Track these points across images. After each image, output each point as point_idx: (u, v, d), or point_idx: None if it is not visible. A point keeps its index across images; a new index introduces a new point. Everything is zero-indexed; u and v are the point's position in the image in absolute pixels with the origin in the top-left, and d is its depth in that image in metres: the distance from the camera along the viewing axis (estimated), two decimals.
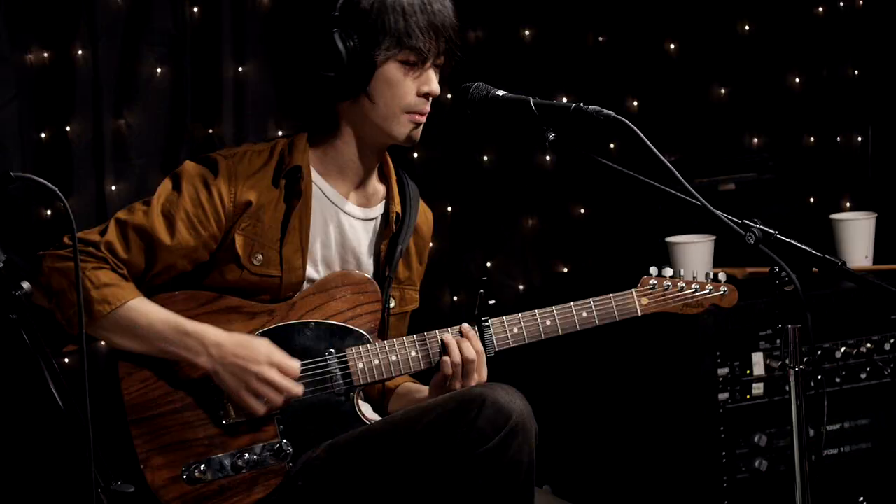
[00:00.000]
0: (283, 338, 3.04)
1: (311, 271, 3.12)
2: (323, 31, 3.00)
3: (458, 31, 3.08)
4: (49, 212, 3.98)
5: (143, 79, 4.07)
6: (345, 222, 3.14)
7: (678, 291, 3.24)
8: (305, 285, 3.11)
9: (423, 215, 3.32)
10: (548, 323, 3.16)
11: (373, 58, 3.00)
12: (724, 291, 3.28)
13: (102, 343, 3.98)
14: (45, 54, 3.97)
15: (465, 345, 3.07)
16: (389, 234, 3.20)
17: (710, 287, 3.26)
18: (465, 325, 3.10)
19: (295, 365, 2.99)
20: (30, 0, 3.92)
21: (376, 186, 3.20)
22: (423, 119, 3.08)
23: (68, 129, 3.99)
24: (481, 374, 3.09)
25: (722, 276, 3.29)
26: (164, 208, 3.02)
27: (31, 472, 3.87)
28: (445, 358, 3.07)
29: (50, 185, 2.45)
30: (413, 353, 3.09)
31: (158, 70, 4.08)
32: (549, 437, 3.08)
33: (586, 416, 4.43)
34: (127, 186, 4.06)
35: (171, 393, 2.99)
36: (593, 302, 3.19)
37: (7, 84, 3.84)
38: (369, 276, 3.16)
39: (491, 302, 3.13)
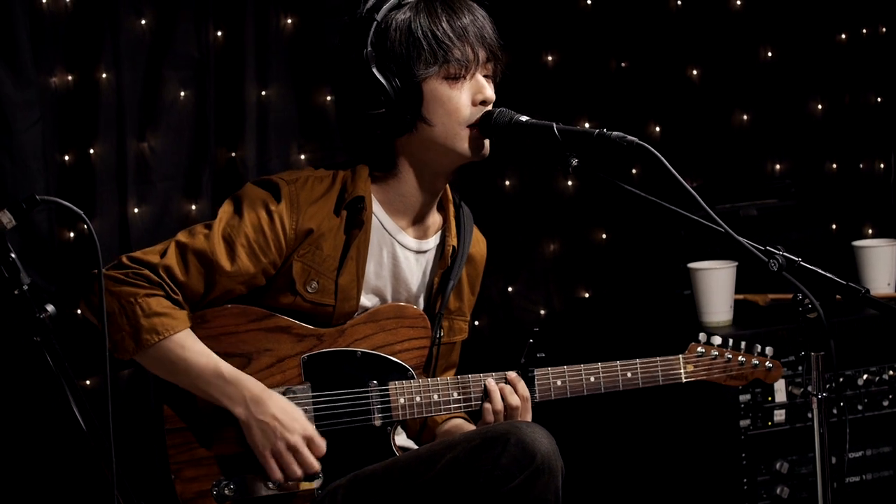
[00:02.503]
0: (329, 363, 3.02)
1: (364, 301, 3.09)
2: (361, 70, 2.96)
3: (496, 38, 3.04)
4: (72, 234, 3.99)
5: (166, 102, 4.09)
6: (399, 254, 3.11)
7: (725, 363, 3.23)
8: (357, 315, 3.09)
9: (477, 245, 3.29)
10: (592, 380, 3.14)
11: (416, 82, 2.97)
12: (770, 367, 3.27)
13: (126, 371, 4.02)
14: (70, 77, 3.99)
15: (507, 391, 3.05)
16: (444, 267, 3.17)
17: (757, 361, 3.25)
18: (513, 373, 3.07)
19: (323, 445, 2.97)
20: (55, 23, 3.94)
21: (434, 218, 3.17)
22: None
23: (92, 151, 4.01)
24: (525, 419, 3.06)
25: (769, 351, 3.27)
26: (225, 233, 2.98)
27: (54, 495, 3.88)
28: (487, 405, 3.04)
29: (75, 208, 2.45)
30: (455, 395, 3.07)
31: (182, 93, 4.10)
32: (574, 469, 3.07)
33: (609, 445, 4.42)
34: (150, 209, 4.07)
35: (210, 407, 2.97)
36: (640, 364, 3.17)
37: (31, 107, 3.86)
38: (421, 311, 3.14)
39: (540, 355, 3.10)
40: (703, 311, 4.09)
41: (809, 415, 3.67)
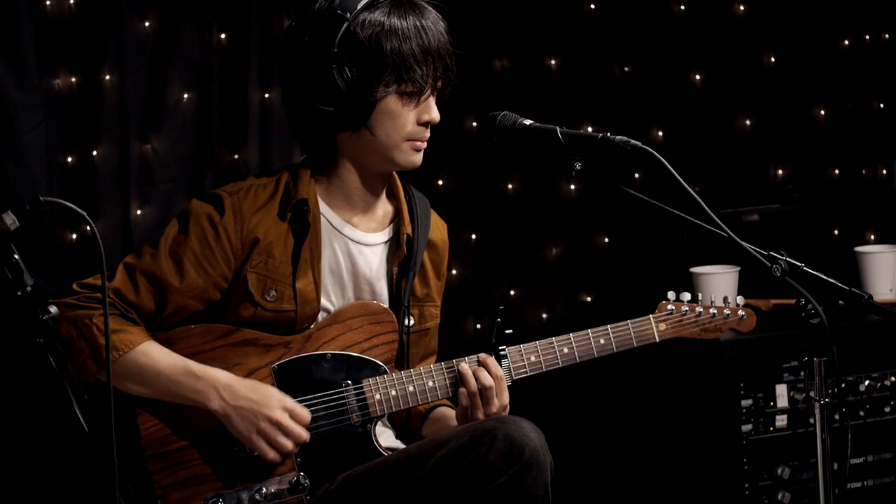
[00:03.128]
0: (300, 370, 3.03)
1: (325, 302, 3.11)
2: (322, 66, 2.98)
3: (452, 55, 3.06)
4: (74, 236, 3.99)
5: (169, 104, 4.09)
6: (354, 250, 3.12)
7: (696, 316, 3.22)
8: (321, 316, 3.10)
9: (437, 229, 3.29)
10: (565, 350, 3.14)
11: (372, 92, 2.98)
12: (743, 315, 3.25)
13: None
14: (73, 79, 3.99)
15: (481, 373, 3.04)
16: (402, 256, 3.17)
17: (729, 311, 3.24)
18: (483, 354, 3.08)
19: (306, 413, 2.98)
20: (58, 25, 3.94)
21: (385, 208, 3.18)
22: (424, 145, 3.07)
23: (95, 153, 4.01)
24: (502, 399, 3.05)
25: (740, 300, 3.27)
26: (171, 250, 3.00)
27: (56, 495, 3.88)
28: (462, 389, 3.04)
29: (78, 209, 2.45)
30: (430, 384, 3.07)
31: (185, 96, 4.10)
32: (568, 468, 3.07)
33: (608, 447, 4.41)
34: (152, 211, 4.08)
35: (188, 428, 2.98)
36: (611, 328, 3.17)
37: (35, 108, 3.86)
38: (385, 306, 3.15)
39: (508, 331, 3.11)
40: None
41: (811, 420, 3.68)
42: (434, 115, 3.05)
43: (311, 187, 3.07)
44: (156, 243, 3.03)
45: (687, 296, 3.22)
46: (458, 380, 3.06)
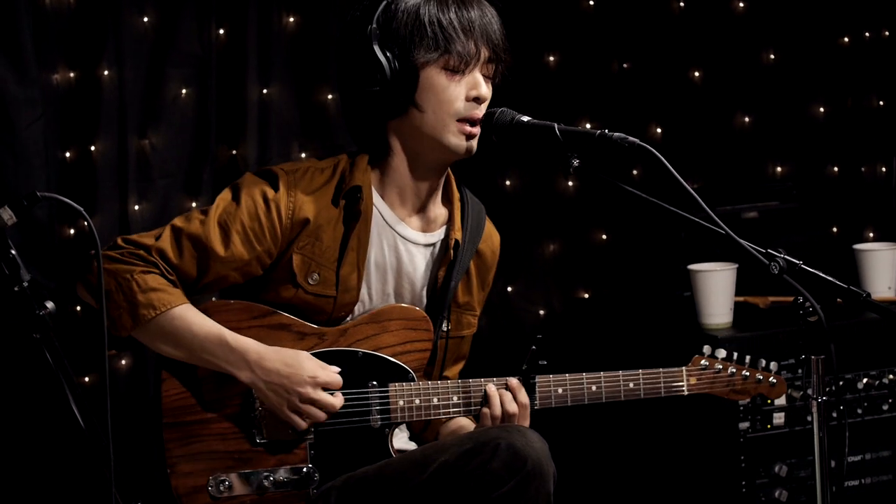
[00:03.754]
0: (330, 363, 3.01)
1: (363, 294, 3.09)
2: (364, 46, 2.97)
3: (504, 39, 3.05)
4: (72, 231, 3.99)
5: (168, 100, 4.09)
6: (401, 247, 3.11)
7: (728, 377, 3.20)
8: (357, 307, 3.09)
9: (489, 239, 3.27)
10: (593, 389, 3.12)
11: (414, 64, 2.96)
12: (774, 383, 3.24)
13: (123, 363, 4.03)
14: (72, 74, 3.99)
15: (507, 397, 3.03)
16: (447, 262, 3.15)
17: (761, 377, 3.23)
18: (514, 380, 3.06)
19: (337, 378, 2.97)
20: (57, 21, 3.94)
21: (438, 211, 3.16)
22: (477, 129, 3.01)
23: (93, 148, 4.01)
24: (523, 425, 3.04)
25: (773, 366, 3.25)
26: (220, 219, 2.99)
27: (52, 492, 3.88)
28: (485, 410, 3.03)
29: (76, 205, 2.45)
30: (455, 399, 3.06)
31: (183, 91, 4.10)
32: (568, 471, 3.06)
33: (606, 445, 4.42)
34: (150, 206, 4.07)
35: (210, 402, 2.98)
36: (642, 374, 3.15)
37: (33, 103, 3.86)
38: (425, 314, 3.12)
39: (543, 362, 3.08)
40: (703, 313, 4.09)
41: (809, 418, 3.67)
42: (483, 90, 3.01)
43: (367, 175, 3.05)
44: (206, 210, 3.01)
45: (722, 353, 3.20)
46: (484, 401, 3.05)
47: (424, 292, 3.17)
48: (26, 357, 3.68)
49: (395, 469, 2.95)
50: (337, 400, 2.97)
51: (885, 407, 4.13)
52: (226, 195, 3.04)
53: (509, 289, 4.64)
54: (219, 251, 2.97)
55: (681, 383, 3.19)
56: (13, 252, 2.37)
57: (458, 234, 3.15)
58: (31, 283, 2.38)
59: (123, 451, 2.71)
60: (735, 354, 3.22)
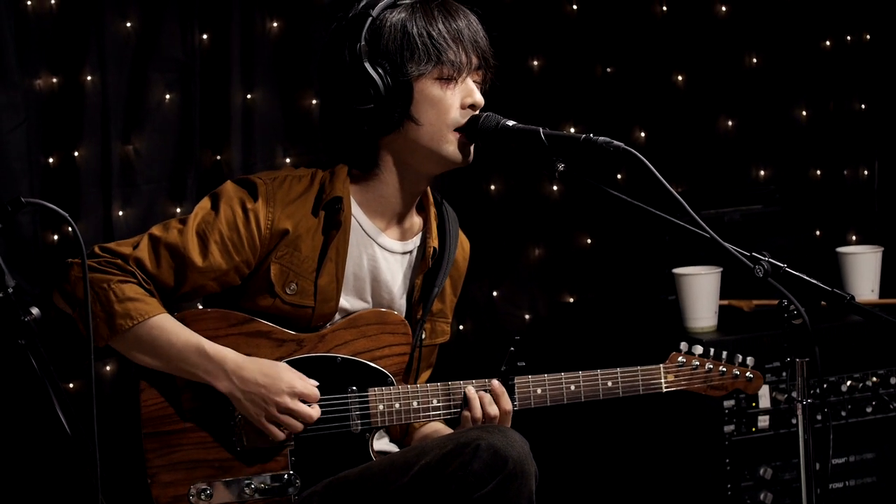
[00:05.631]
0: (309, 369, 3.01)
1: (343, 303, 3.09)
2: (354, 65, 2.96)
3: (489, 44, 3.06)
4: (56, 237, 3.99)
5: (151, 105, 4.08)
6: (379, 256, 3.11)
7: (706, 372, 3.22)
8: (337, 317, 3.09)
9: (460, 247, 3.27)
10: (572, 388, 3.13)
11: (407, 78, 2.96)
12: (751, 378, 3.26)
13: (108, 368, 4.02)
14: (55, 80, 3.98)
15: (487, 400, 3.04)
16: (425, 269, 3.16)
17: (738, 371, 3.24)
18: (495, 382, 3.06)
19: (315, 391, 2.97)
20: (39, 25, 3.93)
21: (414, 219, 3.16)
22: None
23: (76, 154, 4.01)
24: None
25: (750, 361, 3.27)
26: (199, 228, 2.99)
27: (39, 497, 3.87)
28: (466, 413, 3.03)
29: (60, 210, 2.44)
30: (435, 403, 3.06)
31: (167, 96, 4.10)
32: (552, 472, 3.07)
33: (591, 448, 4.42)
34: (134, 212, 4.07)
35: (189, 411, 2.97)
36: (620, 373, 3.16)
37: (16, 109, 3.85)
38: (403, 318, 3.13)
39: (521, 363, 3.09)
40: (688, 317, 4.10)
41: (793, 421, 3.67)
42: (477, 97, 3.02)
43: (347, 186, 3.05)
44: (184, 219, 3.01)
45: (699, 349, 3.21)
46: (464, 404, 3.05)
47: (402, 301, 3.17)
48: (11, 363, 3.67)
49: (377, 472, 2.95)
50: (314, 411, 2.97)
51: (869, 409, 4.14)
52: (204, 204, 3.04)
53: (494, 293, 4.64)
54: (196, 261, 2.97)
55: (658, 380, 3.20)
56: None
57: (434, 242, 3.16)
58: (15, 289, 2.37)
59: (109, 456, 2.71)
60: (712, 350, 3.24)
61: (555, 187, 4.68)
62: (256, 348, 3.00)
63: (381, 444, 3.17)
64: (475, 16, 3.06)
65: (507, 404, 3.05)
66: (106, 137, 4.03)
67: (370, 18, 2.96)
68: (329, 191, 3.03)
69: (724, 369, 3.23)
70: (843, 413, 4.11)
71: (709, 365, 3.22)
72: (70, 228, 2.44)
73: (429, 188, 3.17)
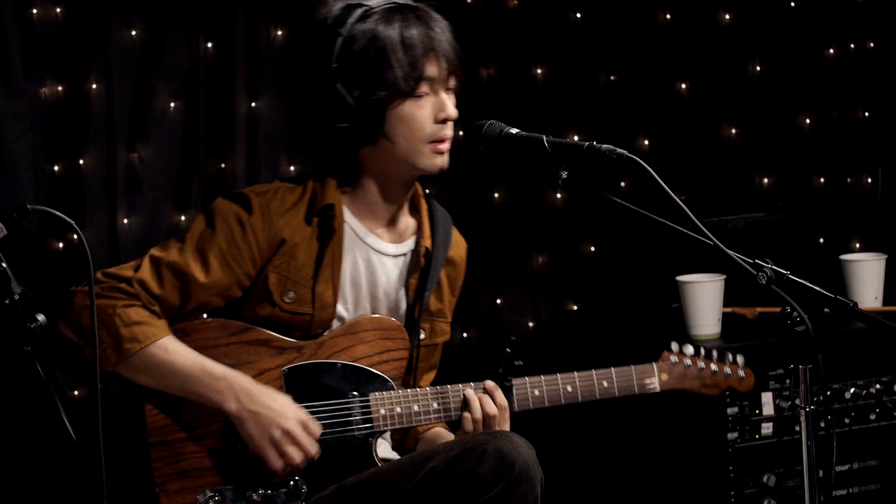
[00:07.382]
0: (309, 375, 3.03)
1: (340, 309, 3.11)
2: (327, 85, 2.99)
3: (458, 50, 3.07)
4: (61, 244, 3.99)
5: (156, 113, 4.09)
6: (374, 259, 3.13)
7: (698, 371, 3.25)
8: (335, 322, 3.11)
9: (457, 246, 3.31)
10: (568, 389, 3.16)
11: (379, 98, 2.99)
12: (742, 376, 3.29)
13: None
14: (60, 88, 3.99)
15: (486, 400, 3.07)
16: (419, 270, 3.19)
17: (729, 370, 3.27)
18: (490, 382, 3.09)
19: (318, 427, 2.99)
20: (45, 34, 3.94)
21: (407, 221, 3.19)
22: (447, 146, 3.07)
23: (81, 162, 4.01)
24: (504, 428, 3.07)
25: (740, 360, 3.28)
26: (198, 245, 3.01)
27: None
28: (466, 414, 3.06)
29: (66, 218, 2.45)
30: (435, 406, 3.09)
31: (172, 104, 4.10)
32: (557, 479, 3.07)
33: (595, 456, 4.42)
34: (139, 220, 4.07)
35: (195, 419, 2.99)
36: (614, 371, 3.20)
37: (21, 117, 3.85)
38: (400, 323, 3.15)
39: (518, 363, 3.11)
40: (692, 325, 4.10)
41: (797, 428, 3.67)
42: (450, 111, 3.05)
43: (338, 194, 3.08)
44: (182, 238, 3.03)
45: (690, 349, 3.25)
46: (463, 405, 3.07)
47: (402, 303, 3.19)
48: (17, 370, 3.68)
49: (384, 477, 2.97)
50: (315, 447, 2.98)
51: (873, 416, 4.14)
52: (200, 222, 3.06)
53: (498, 301, 4.65)
54: (199, 278, 2.99)
55: (652, 379, 3.23)
56: (4, 265, 2.37)
57: (427, 243, 3.19)
58: (21, 296, 2.38)
59: (115, 463, 2.71)
60: (703, 349, 3.26)
61: (558, 195, 4.68)
62: (257, 356, 3.01)
63: (383, 451, 3.18)
64: (443, 21, 3.07)
65: (502, 399, 3.08)
66: (111, 145, 4.03)
67: (340, 38, 2.98)
68: (321, 198, 3.07)
69: (716, 368, 3.27)
70: (847, 420, 4.11)
71: (700, 364, 3.26)
72: (75, 235, 2.45)
73: (419, 189, 3.21)
